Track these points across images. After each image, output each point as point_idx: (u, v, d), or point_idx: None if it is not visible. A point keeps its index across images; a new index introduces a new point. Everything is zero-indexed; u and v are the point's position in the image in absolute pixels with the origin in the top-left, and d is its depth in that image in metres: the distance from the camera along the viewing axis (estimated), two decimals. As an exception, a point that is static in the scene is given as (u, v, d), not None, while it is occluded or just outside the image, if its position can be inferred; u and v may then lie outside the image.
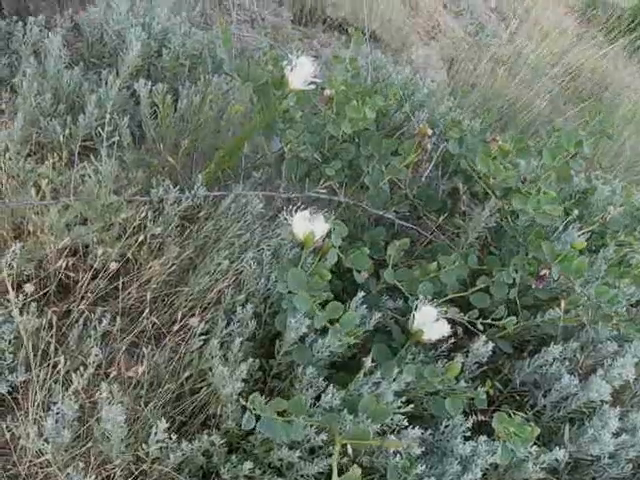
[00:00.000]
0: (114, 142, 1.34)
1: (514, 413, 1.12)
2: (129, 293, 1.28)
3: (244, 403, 1.00)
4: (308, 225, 1.12)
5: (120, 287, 1.28)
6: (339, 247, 1.18)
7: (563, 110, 4.63)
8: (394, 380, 1.05)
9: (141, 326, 1.24)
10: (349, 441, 0.99)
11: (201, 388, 1.16)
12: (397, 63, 3.76)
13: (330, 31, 4.61)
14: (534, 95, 4.31)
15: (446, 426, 1.13)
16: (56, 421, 1.01)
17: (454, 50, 5.32)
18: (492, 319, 1.22)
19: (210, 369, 1.13)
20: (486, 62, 4.82)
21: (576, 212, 1.52)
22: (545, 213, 1.25)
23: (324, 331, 1.11)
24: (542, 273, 1.26)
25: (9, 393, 1.11)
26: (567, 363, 1.25)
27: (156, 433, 0.99)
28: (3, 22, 1.76)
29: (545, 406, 1.25)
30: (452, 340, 1.19)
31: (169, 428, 1.01)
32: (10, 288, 1.07)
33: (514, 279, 1.26)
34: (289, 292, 1.10)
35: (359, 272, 1.21)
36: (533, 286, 1.27)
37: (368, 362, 1.07)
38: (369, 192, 1.42)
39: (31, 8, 2.05)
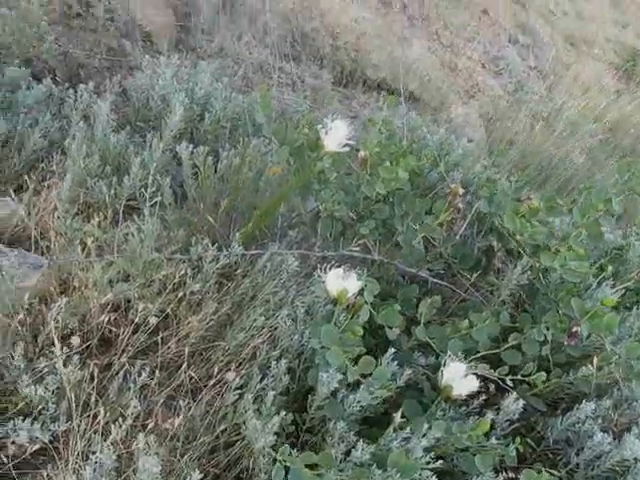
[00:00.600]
0: (156, 202, 1.41)
1: (546, 471, 1.12)
2: (168, 347, 1.32)
3: (275, 456, 1.02)
4: (341, 282, 1.15)
5: (159, 341, 1.33)
6: (371, 304, 1.21)
7: (603, 165, 4.61)
8: (423, 436, 1.06)
9: (179, 380, 1.27)
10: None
11: (235, 441, 1.19)
12: (435, 122, 3.83)
13: (369, 92, 4.71)
14: (573, 150, 4.32)
15: (477, 483, 1.13)
16: (94, 470, 1.05)
17: (493, 108, 5.38)
18: (522, 375, 1.22)
19: (244, 422, 1.16)
20: (525, 119, 4.86)
21: (610, 269, 1.52)
22: (572, 270, 1.26)
23: (356, 386, 1.14)
24: (573, 330, 1.27)
25: (50, 442, 1.15)
26: (600, 421, 1.25)
27: (190, 485, 1.02)
28: (56, 89, 1.87)
29: (578, 464, 1.24)
30: (483, 397, 1.19)
31: (203, 480, 1.04)
32: (56, 341, 1.13)
33: (545, 336, 1.27)
34: (322, 347, 1.13)
35: (391, 329, 1.24)
36: (565, 343, 1.28)
37: (398, 417, 1.09)
38: (403, 250, 1.45)
39: (82, 75, 2.17)
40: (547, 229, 1.40)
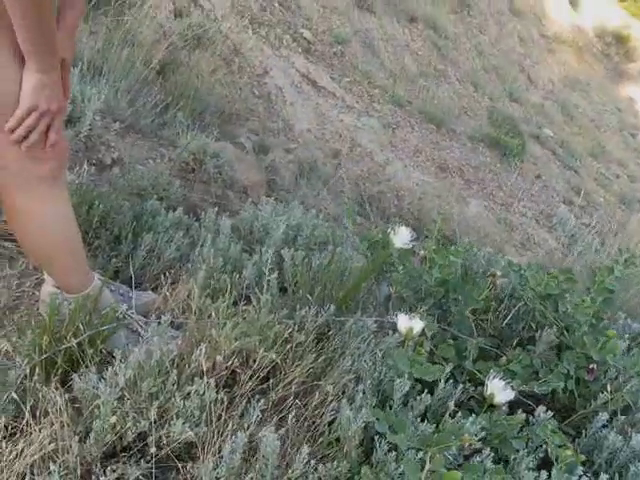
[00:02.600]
0: (267, 287, 1.89)
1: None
2: (277, 387, 1.74)
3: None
4: (409, 322, 1.58)
5: (271, 384, 1.75)
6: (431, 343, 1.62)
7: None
8: (472, 423, 1.43)
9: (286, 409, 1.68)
10: None
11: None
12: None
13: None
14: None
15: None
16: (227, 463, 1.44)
17: (548, 259, 5.80)
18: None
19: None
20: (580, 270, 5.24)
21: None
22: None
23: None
24: (590, 367, 1.63)
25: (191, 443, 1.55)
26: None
27: None
28: (184, 217, 2.43)
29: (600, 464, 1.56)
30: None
31: None
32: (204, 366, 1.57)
33: (568, 371, 1.63)
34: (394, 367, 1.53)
35: (445, 360, 1.63)
36: (586, 378, 1.64)
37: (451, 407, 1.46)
38: (455, 319, 1.87)
39: (199, 212, 2.74)
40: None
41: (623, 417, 1.62)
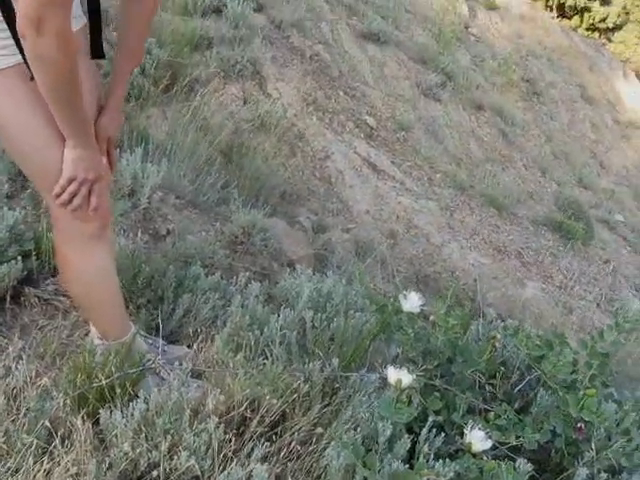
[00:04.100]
0: (285, 343, 2.08)
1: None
2: (284, 434, 1.90)
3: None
4: (398, 374, 1.73)
5: (279, 431, 1.91)
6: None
7: None
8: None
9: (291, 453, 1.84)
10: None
11: None
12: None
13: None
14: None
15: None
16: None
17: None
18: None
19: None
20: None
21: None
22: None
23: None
24: (578, 426, 1.73)
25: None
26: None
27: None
28: (223, 281, 2.66)
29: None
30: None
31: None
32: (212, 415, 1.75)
33: (555, 428, 1.73)
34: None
35: (434, 412, 1.76)
36: (573, 437, 1.73)
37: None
38: (455, 377, 2.00)
39: (242, 281, 2.97)
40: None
41: (606, 475, 1.69)
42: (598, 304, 6.38)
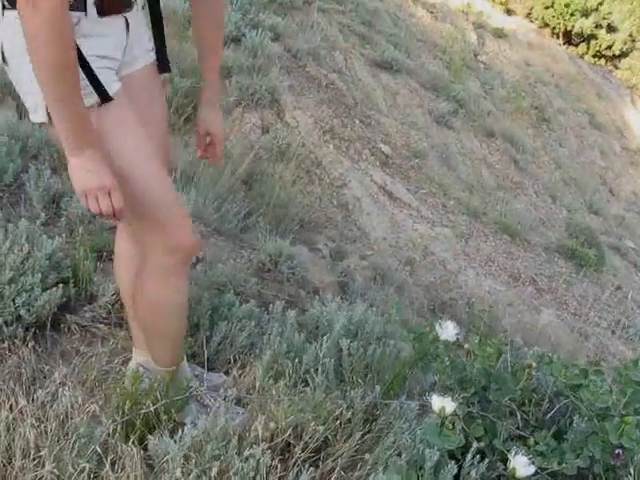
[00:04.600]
0: (322, 371, 2.12)
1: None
2: (327, 460, 1.94)
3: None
4: (442, 402, 1.77)
5: (321, 456, 1.95)
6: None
7: None
8: None
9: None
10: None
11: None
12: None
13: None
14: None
15: None
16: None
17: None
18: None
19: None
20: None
21: None
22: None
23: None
24: (616, 452, 1.76)
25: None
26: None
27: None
28: (256, 309, 2.71)
29: None
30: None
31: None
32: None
33: (593, 454, 1.77)
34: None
35: (476, 439, 1.80)
36: (612, 462, 1.77)
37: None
38: (492, 405, 2.04)
39: (271, 307, 3.02)
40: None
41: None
42: (613, 331, 6.40)
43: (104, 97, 1.68)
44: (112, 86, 1.72)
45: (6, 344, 2.35)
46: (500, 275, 6.22)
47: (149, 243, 1.86)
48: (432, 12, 13.38)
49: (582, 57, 18.80)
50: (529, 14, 18.68)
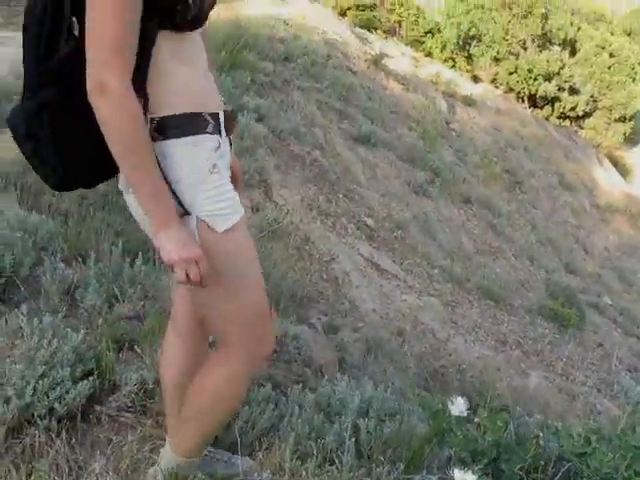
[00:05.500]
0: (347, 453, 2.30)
1: None
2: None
3: None
4: (463, 476, 1.95)
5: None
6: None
7: None
8: None
9: None
10: None
11: None
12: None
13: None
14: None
15: None
16: None
17: (612, 428, 5.93)
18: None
19: None
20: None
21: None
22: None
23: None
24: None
25: None
26: None
27: None
28: (273, 392, 2.88)
29: None
30: None
31: None
32: None
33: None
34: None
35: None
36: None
37: None
38: (504, 474, 2.22)
39: (282, 387, 3.18)
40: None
41: None
42: (599, 389, 6.60)
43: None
44: (241, 205, 1.80)
45: (43, 437, 2.49)
46: (487, 340, 6.42)
47: (234, 350, 1.89)
48: (403, 84, 13.93)
49: (547, 119, 19.53)
50: (494, 80, 19.45)
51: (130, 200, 1.79)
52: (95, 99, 1.55)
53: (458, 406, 2.34)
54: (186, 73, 1.73)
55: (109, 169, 1.74)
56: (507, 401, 5.67)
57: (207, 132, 1.73)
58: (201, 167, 1.69)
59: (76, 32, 1.66)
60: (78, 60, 1.59)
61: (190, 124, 1.70)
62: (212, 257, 1.68)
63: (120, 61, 1.54)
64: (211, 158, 1.72)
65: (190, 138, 1.70)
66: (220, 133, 1.77)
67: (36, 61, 1.68)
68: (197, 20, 1.71)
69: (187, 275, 1.62)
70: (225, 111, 1.82)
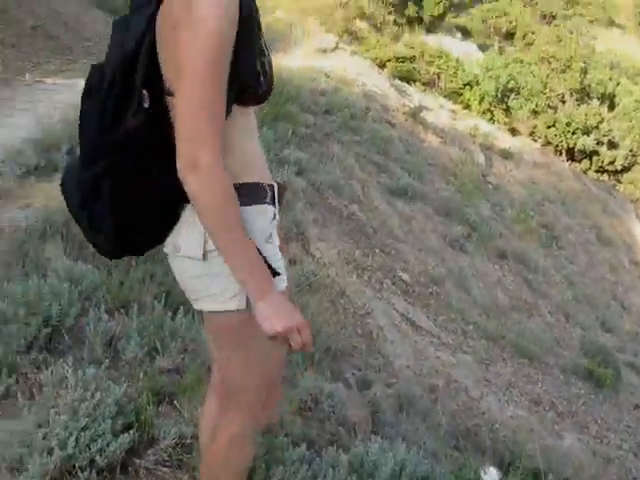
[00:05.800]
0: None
1: None
2: None
3: None
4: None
5: None
6: None
7: None
8: None
9: None
10: None
11: None
12: None
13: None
14: None
15: None
16: None
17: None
18: None
19: None
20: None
21: None
22: None
23: None
24: None
25: None
26: None
27: None
28: (307, 452, 2.93)
29: None
30: None
31: None
32: None
33: None
34: None
35: None
36: None
37: None
38: None
39: (316, 447, 3.23)
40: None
41: None
42: (635, 454, 6.49)
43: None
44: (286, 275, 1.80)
45: (84, 490, 2.57)
46: (521, 400, 6.38)
47: (238, 414, 1.94)
48: (441, 136, 14.07)
49: (585, 173, 19.46)
50: (532, 133, 19.49)
51: (175, 266, 1.85)
52: (185, 175, 1.56)
53: (491, 476, 2.39)
54: (249, 144, 1.80)
55: (160, 238, 1.83)
56: (539, 463, 5.62)
57: (266, 202, 1.78)
58: (259, 236, 1.71)
59: (146, 104, 1.65)
60: (147, 133, 1.63)
61: (255, 193, 1.74)
62: (252, 321, 1.66)
63: (213, 134, 1.55)
64: (268, 228, 1.76)
65: (254, 207, 1.73)
66: (274, 204, 1.82)
67: (99, 131, 1.69)
68: (264, 96, 1.78)
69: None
70: (278, 183, 1.88)
